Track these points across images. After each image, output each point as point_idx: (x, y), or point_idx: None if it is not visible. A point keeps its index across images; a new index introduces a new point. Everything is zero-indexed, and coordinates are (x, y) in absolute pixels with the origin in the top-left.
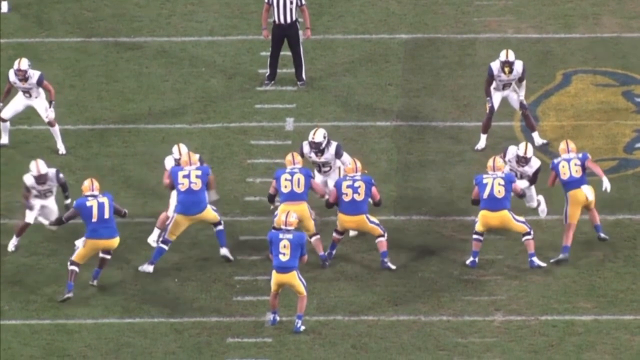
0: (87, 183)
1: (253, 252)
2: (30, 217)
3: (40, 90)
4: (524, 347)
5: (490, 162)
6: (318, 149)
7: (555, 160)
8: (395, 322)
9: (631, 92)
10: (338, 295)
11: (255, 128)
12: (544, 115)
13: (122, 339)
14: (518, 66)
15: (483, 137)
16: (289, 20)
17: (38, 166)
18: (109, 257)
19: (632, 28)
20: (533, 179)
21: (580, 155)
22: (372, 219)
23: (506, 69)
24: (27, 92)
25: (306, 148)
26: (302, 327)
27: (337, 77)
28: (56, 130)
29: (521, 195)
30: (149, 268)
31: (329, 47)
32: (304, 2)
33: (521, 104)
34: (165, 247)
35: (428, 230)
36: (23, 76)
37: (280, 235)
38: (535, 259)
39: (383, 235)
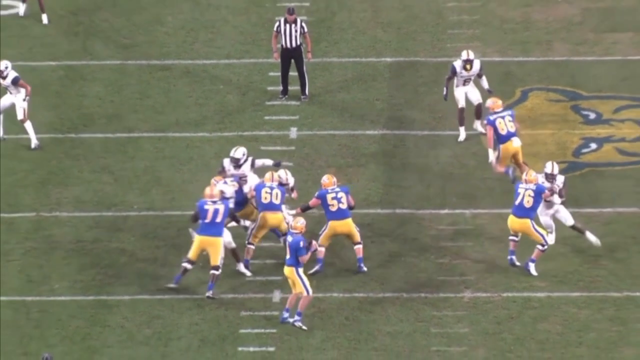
0: (207, 190)
1: (262, 240)
2: None
3: (21, 89)
4: (489, 319)
5: (524, 176)
6: (237, 163)
7: (491, 117)
8: (382, 298)
9: (578, 106)
10: (334, 276)
11: (264, 136)
12: None
13: (154, 312)
14: (476, 64)
15: (462, 130)
16: (294, 45)
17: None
18: (217, 272)
19: (579, 52)
20: (561, 193)
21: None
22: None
23: (467, 66)
24: (8, 90)
25: (226, 163)
26: (299, 324)
27: (333, 94)
28: (28, 125)
29: (551, 194)
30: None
31: (327, 69)
32: (306, 30)
33: (488, 90)
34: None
35: (409, 222)
36: (1, 75)
37: (287, 237)
38: (531, 264)
39: (361, 243)
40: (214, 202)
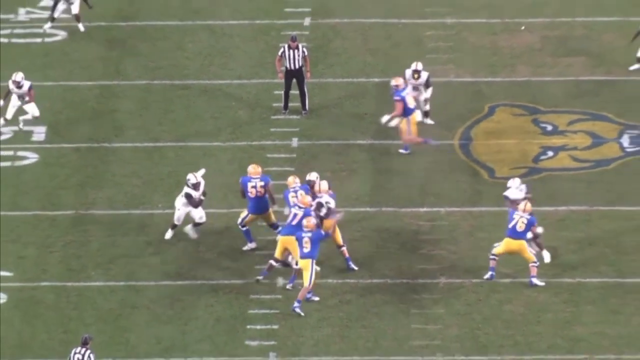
0: (307, 199)
1: (267, 234)
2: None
3: (27, 97)
4: (461, 301)
5: (521, 205)
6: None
7: (402, 93)
8: (370, 283)
9: (538, 119)
10: (329, 264)
11: (270, 145)
12: (476, 136)
13: (175, 296)
14: (424, 75)
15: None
16: (297, 67)
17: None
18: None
19: (539, 74)
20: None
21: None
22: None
23: (415, 75)
24: (21, 97)
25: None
26: (298, 310)
27: (329, 109)
28: (33, 108)
29: (536, 236)
30: (252, 245)
31: (323, 88)
32: (307, 54)
33: (426, 100)
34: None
35: (393, 218)
36: (17, 85)
37: (303, 234)
38: (534, 279)
39: (344, 246)
40: (300, 208)
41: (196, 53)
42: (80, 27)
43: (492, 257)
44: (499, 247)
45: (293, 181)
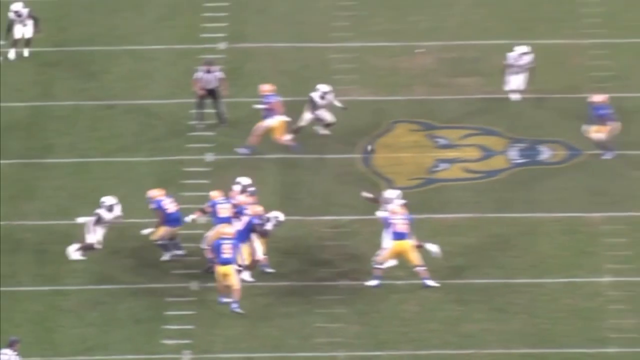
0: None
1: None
2: None
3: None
4: (361, 301)
5: (394, 207)
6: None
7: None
8: (278, 286)
9: (433, 134)
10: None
11: (186, 160)
12: (378, 149)
13: (99, 299)
14: (330, 95)
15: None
16: (212, 87)
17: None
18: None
19: (435, 92)
20: None
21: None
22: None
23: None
24: (23, 24)
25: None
26: (238, 310)
27: (243, 125)
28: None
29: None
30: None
31: (237, 107)
32: (221, 75)
33: (343, 108)
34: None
35: (300, 226)
36: (17, 14)
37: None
38: (428, 281)
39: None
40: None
41: (121, 76)
42: (26, 52)
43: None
44: (386, 254)
45: (219, 194)
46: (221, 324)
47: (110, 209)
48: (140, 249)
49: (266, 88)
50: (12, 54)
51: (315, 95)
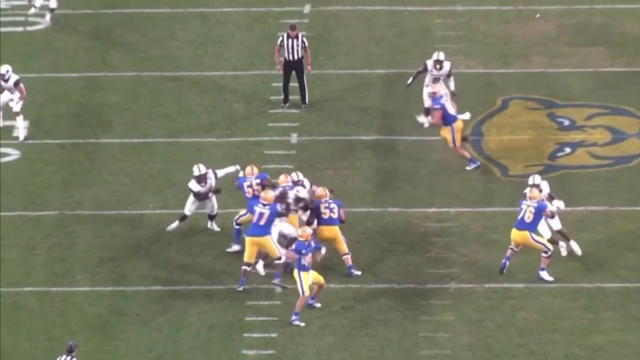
0: (269, 194)
1: None
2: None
3: (17, 92)
4: (472, 308)
5: (528, 193)
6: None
7: (442, 101)
8: (375, 288)
9: (554, 114)
10: (331, 269)
11: (267, 141)
12: (488, 132)
13: (167, 302)
14: (446, 65)
15: (426, 119)
16: (296, 58)
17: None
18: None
19: (555, 64)
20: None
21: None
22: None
23: (437, 66)
24: (9, 90)
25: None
26: (297, 322)
27: (331, 102)
28: (20, 119)
29: (552, 216)
30: (235, 247)
31: (324, 80)
32: (307, 44)
33: (452, 92)
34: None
35: (399, 219)
36: (3, 78)
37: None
38: (542, 272)
39: (348, 254)
40: (265, 205)
41: (188, 42)
42: (48, 18)
43: (511, 247)
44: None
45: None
46: (310, 333)
47: (200, 179)
48: (215, 244)
49: (437, 90)
50: (32, 11)
51: (429, 63)
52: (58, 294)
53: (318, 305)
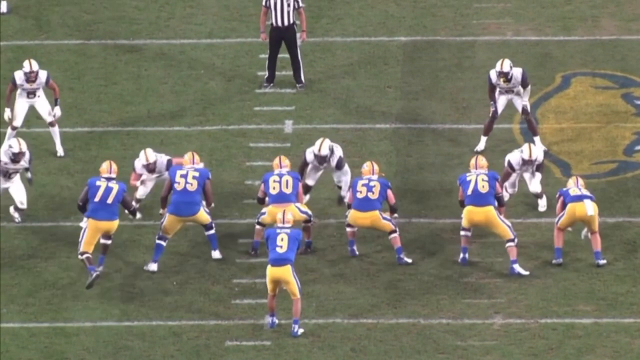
0: (105, 165)
1: (251, 255)
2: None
3: (40, 91)
4: (523, 350)
5: (472, 161)
6: (324, 160)
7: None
8: (395, 324)
9: (631, 94)
10: (337, 297)
11: (254, 130)
12: (543, 118)
13: (121, 342)
14: (517, 73)
15: (483, 139)
16: (286, 23)
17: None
18: (109, 242)
19: (631, 30)
20: (539, 168)
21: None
22: (385, 215)
23: (502, 79)
24: (33, 93)
25: (310, 156)
26: (300, 331)
27: (336, 80)
28: (56, 130)
29: (500, 196)
30: (153, 266)
31: (328, 50)
32: (301, 4)
33: (524, 109)
34: (163, 243)
35: (427, 233)
36: (35, 77)
37: (278, 230)
38: (516, 266)
39: (395, 231)
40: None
41: (149, 1)
42: (4, 6)
43: (463, 232)
44: (464, 220)
45: (278, 164)
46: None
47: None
48: (185, 264)
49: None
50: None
51: (493, 75)
52: None
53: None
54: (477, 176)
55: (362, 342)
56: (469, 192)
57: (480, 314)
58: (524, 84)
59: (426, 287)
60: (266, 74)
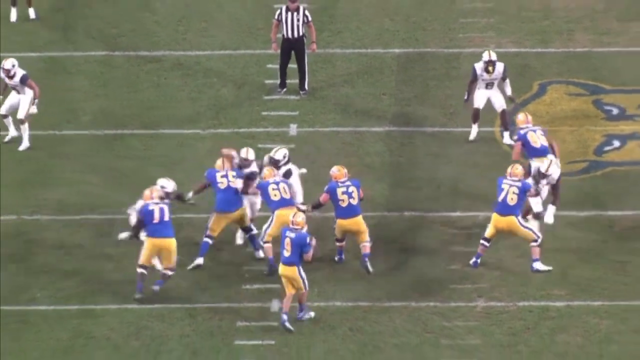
0: (147, 192)
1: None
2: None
3: (26, 88)
4: (503, 330)
5: (509, 169)
6: (276, 166)
7: (522, 131)
8: (388, 307)
9: (600, 100)
10: (337, 283)
11: (262, 133)
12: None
13: (142, 323)
14: (499, 66)
15: (474, 127)
16: (296, 35)
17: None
18: (170, 273)
19: (602, 43)
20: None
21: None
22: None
23: (490, 68)
24: (15, 89)
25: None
26: (307, 316)
27: (336, 88)
28: (26, 127)
29: (537, 195)
30: (199, 260)
31: (329, 61)
32: (310, 19)
33: (511, 98)
34: (210, 241)
35: (418, 226)
36: (7, 74)
37: (287, 233)
38: (536, 264)
39: (369, 242)
40: (157, 203)
41: (167, 15)
42: (31, 13)
43: (482, 242)
44: (489, 227)
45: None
46: (313, 356)
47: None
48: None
49: (528, 118)
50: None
51: (479, 67)
52: (12, 314)
53: (311, 314)
54: (510, 187)
55: (358, 322)
56: (500, 199)
57: (465, 297)
58: (504, 77)
59: (416, 273)
60: (279, 81)
